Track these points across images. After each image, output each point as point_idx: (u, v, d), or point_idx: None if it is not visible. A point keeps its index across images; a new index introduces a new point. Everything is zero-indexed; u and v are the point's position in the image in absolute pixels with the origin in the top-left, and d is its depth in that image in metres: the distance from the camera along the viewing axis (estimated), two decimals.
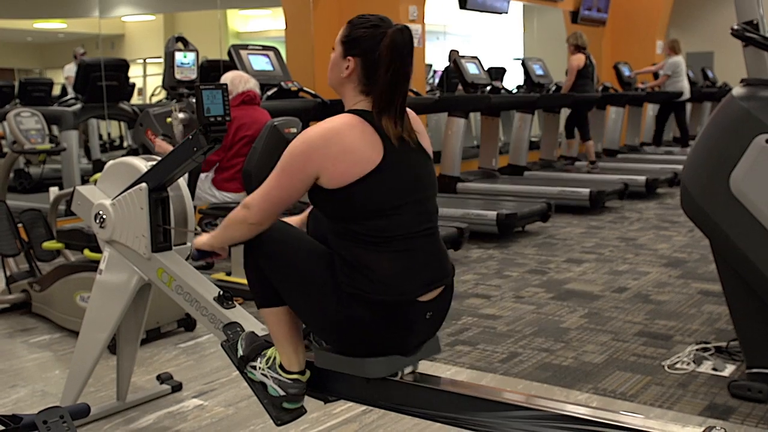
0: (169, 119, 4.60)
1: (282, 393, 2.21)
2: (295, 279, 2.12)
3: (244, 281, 4.95)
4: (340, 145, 2.03)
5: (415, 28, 7.90)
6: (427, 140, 2.22)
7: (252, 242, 2.21)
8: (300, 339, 2.24)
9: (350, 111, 2.12)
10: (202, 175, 4.70)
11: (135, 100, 8.71)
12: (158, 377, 3.24)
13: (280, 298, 2.19)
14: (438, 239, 2.19)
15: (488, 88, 8.13)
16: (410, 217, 2.10)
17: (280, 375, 2.21)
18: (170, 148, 4.78)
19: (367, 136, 2.06)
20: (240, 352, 2.30)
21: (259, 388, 2.26)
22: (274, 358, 2.23)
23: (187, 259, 2.70)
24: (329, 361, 2.17)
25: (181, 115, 4.62)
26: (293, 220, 2.42)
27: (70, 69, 7.98)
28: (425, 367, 2.28)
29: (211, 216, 5.06)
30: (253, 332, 2.36)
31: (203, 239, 2.33)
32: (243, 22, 12.94)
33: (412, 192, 2.12)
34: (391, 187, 2.07)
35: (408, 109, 2.16)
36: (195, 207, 3.85)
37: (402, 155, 2.09)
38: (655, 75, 11.16)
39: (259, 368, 2.25)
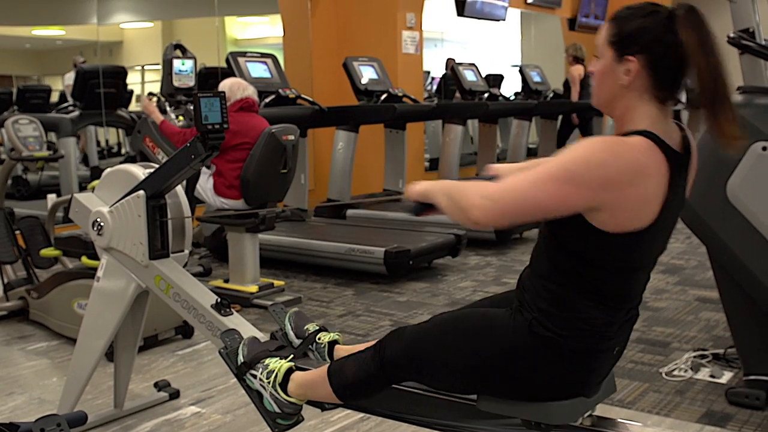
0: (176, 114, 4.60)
1: (277, 410, 2.15)
2: (454, 367, 1.86)
3: (242, 288, 4.97)
4: (645, 190, 1.62)
5: (412, 35, 7.92)
6: (692, 179, 1.82)
7: (396, 355, 1.93)
8: None
9: (650, 135, 1.65)
10: (204, 176, 4.69)
11: (133, 107, 8.71)
12: (156, 385, 3.23)
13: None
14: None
15: (486, 95, 8.14)
16: (644, 278, 1.82)
17: (279, 394, 2.15)
18: (154, 108, 4.80)
19: (663, 185, 1.65)
20: (241, 358, 2.24)
21: (255, 396, 2.23)
22: (276, 375, 2.15)
23: (184, 266, 2.70)
24: (498, 406, 1.88)
25: (180, 123, 4.63)
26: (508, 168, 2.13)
27: (70, 77, 7.97)
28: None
29: (209, 222, 5.07)
30: (254, 338, 2.32)
31: (425, 187, 1.86)
32: (241, 29, 12.95)
33: (658, 255, 1.84)
34: (652, 247, 1.78)
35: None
36: (193, 212, 3.85)
37: (675, 210, 1.74)
38: None
39: (259, 378, 2.19)
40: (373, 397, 2.03)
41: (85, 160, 8.46)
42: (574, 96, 8.99)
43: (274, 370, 2.17)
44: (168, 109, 5.02)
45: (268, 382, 2.16)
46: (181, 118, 5.01)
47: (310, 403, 2.24)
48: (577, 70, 8.99)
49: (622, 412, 2.99)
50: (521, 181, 1.65)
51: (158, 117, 4.78)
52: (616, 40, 1.70)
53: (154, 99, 5.10)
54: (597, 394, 1.89)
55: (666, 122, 1.71)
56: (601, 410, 2.96)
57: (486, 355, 1.80)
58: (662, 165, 1.64)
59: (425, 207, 1.88)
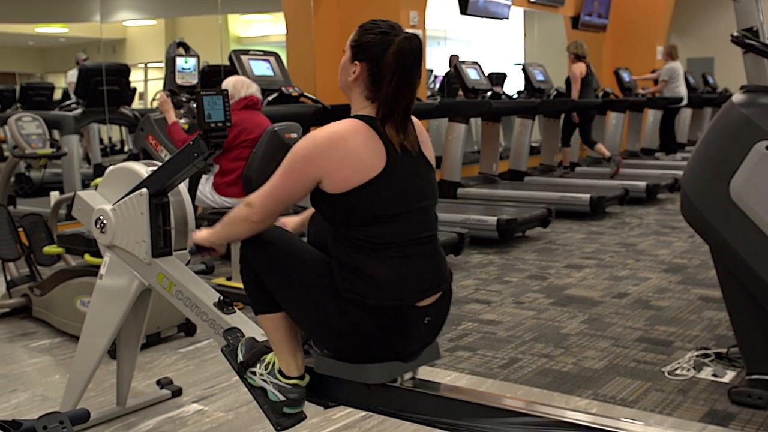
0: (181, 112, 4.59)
1: (282, 398, 2.21)
2: (293, 286, 2.13)
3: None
4: (344, 150, 2.04)
5: (416, 33, 7.91)
6: (430, 149, 2.23)
7: (248, 249, 2.20)
8: (298, 344, 2.24)
9: (356, 116, 2.12)
10: (203, 178, 4.70)
11: (136, 104, 8.72)
12: (158, 382, 3.24)
13: (277, 304, 2.18)
14: (437, 246, 2.19)
15: (489, 93, 8.14)
16: (409, 225, 2.10)
17: (280, 380, 2.21)
18: (170, 106, 4.78)
19: (370, 142, 2.06)
20: (240, 358, 2.30)
21: (259, 394, 2.26)
22: (273, 363, 2.23)
23: (187, 262, 2.71)
24: (329, 367, 2.17)
25: (182, 121, 4.63)
26: (292, 221, 2.45)
27: (73, 75, 7.99)
28: (426, 373, 2.28)
29: (210, 221, 5.06)
30: (252, 338, 2.36)
31: (202, 234, 2.32)
32: (244, 26, 12.95)
33: (413, 200, 2.12)
34: (392, 194, 2.07)
35: (413, 117, 2.17)
36: (195, 210, 3.85)
37: (404, 163, 2.10)
38: (656, 81, 11.18)
39: (259, 374, 2.25)
40: (265, 299, 2.19)
41: (87, 158, 8.46)
42: (575, 94, 8.99)
43: (271, 361, 2.24)
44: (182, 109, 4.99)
45: (268, 373, 2.23)
46: (185, 126, 4.99)
47: (311, 401, 2.26)
48: (579, 68, 8.99)
49: (624, 411, 2.99)
50: (269, 185, 2.12)
51: (171, 117, 4.75)
52: (354, 46, 2.13)
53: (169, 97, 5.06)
54: (417, 359, 2.17)
55: (374, 111, 2.11)
56: (599, 407, 2.97)
57: (317, 309, 2.09)
58: (364, 129, 2.07)
59: (201, 249, 2.33)
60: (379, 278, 2.04)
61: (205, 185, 4.70)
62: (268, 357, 2.26)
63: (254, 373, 2.26)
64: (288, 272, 2.13)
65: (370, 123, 2.09)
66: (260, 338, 2.36)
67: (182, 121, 4.59)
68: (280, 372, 2.21)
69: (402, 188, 2.09)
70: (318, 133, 2.09)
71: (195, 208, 4.33)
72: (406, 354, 2.14)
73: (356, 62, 2.11)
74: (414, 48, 2.08)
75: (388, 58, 2.05)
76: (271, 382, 2.22)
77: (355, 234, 2.06)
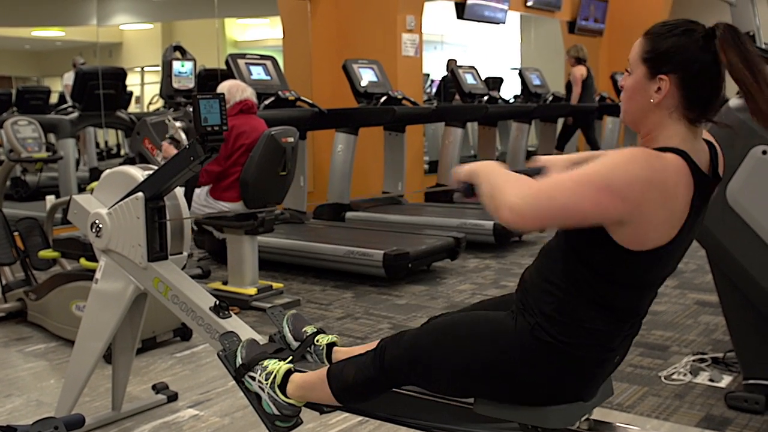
0: (168, 135, 4.60)
1: (276, 412, 2.14)
2: (454, 370, 1.85)
3: (241, 290, 4.96)
4: (671, 210, 1.61)
5: (412, 37, 7.92)
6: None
7: (396, 359, 1.92)
8: None
9: (679, 152, 1.63)
10: (198, 190, 4.68)
11: (132, 108, 8.72)
12: (154, 387, 3.23)
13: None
14: None
15: (485, 97, 8.15)
16: (653, 294, 1.84)
17: (278, 396, 2.14)
18: (175, 152, 4.77)
19: (686, 206, 1.63)
20: (239, 360, 2.24)
21: (253, 398, 2.22)
22: (275, 377, 2.15)
23: (183, 268, 2.70)
24: (495, 409, 1.89)
25: (178, 124, 4.63)
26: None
27: (69, 77, 7.98)
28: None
29: (206, 225, 5.05)
30: (254, 340, 2.32)
31: (472, 167, 1.83)
32: (241, 30, 12.95)
33: (671, 272, 1.83)
34: (667, 265, 1.76)
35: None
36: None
37: (692, 231, 1.71)
38: None
39: (258, 380, 2.18)
40: (373, 400, 2.03)
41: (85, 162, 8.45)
42: (575, 98, 9.00)
43: (272, 372, 2.17)
44: (168, 119, 4.98)
45: (267, 384, 2.16)
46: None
47: (308, 405, 2.24)
48: (579, 71, 9.00)
49: (621, 415, 2.98)
50: (559, 186, 1.61)
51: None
52: (650, 57, 1.67)
53: (159, 103, 5.04)
54: (594, 398, 1.89)
55: (695, 141, 1.69)
56: (599, 414, 2.96)
57: (486, 358, 1.80)
58: (690, 187, 1.62)
59: (472, 191, 1.82)
60: (597, 335, 1.75)
61: (200, 195, 4.69)
62: (270, 366, 2.18)
63: (253, 378, 2.20)
64: (447, 360, 1.85)
65: (694, 172, 1.63)
66: (260, 341, 2.35)
67: (179, 124, 4.58)
68: (281, 388, 2.14)
69: (678, 257, 1.78)
70: (657, 173, 1.58)
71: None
72: (590, 394, 1.86)
73: (661, 77, 1.65)
74: (742, 35, 1.65)
75: (730, 58, 1.62)
76: (269, 394, 2.15)
77: (602, 289, 1.71)
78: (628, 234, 1.61)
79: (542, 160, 2.07)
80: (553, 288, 1.75)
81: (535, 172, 1.91)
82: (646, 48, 1.69)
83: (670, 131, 1.67)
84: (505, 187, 1.66)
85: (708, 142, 1.76)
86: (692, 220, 1.66)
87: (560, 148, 9.39)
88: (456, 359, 1.84)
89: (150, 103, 10.39)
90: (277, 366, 2.18)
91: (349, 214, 6.68)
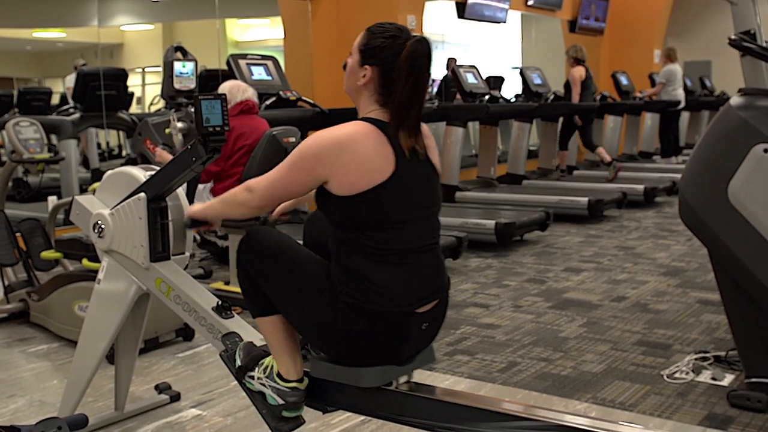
0: (168, 129, 4.61)
1: (281, 402, 2.20)
2: (290, 289, 2.12)
3: None
4: (354, 153, 2.02)
5: (424, 36, 7.91)
6: (436, 155, 2.22)
7: (245, 253, 2.21)
8: (297, 347, 2.24)
9: (365, 119, 2.11)
10: (200, 186, 4.70)
11: (134, 109, 8.72)
12: (156, 387, 3.23)
13: (274, 307, 2.19)
14: (438, 254, 2.19)
15: (486, 97, 8.14)
16: (414, 232, 2.10)
17: (278, 384, 2.20)
18: (170, 157, 4.78)
19: (380, 146, 2.05)
20: (238, 363, 2.29)
21: (257, 398, 2.25)
22: (272, 367, 2.23)
23: (185, 268, 2.70)
24: (325, 370, 2.18)
25: (179, 125, 4.63)
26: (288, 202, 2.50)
27: (71, 80, 7.99)
28: (424, 377, 2.29)
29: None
30: (251, 342, 2.35)
31: (198, 208, 2.36)
32: (242, 31, 12.96)
33: (419, 207, 2.12)
34: (399, 200, 2.06)
35: (422, 124, 2.15)
36: None
37: (413, 169, 2.08)
38: (653, 84, 11.20)
39: (257, 378, 2.24)
40: (261, 300, 2.21)
41: (85, 162, 8.45)
42: (575, 97, 9.00)
43: (269, 365, 2.24)
44: (172, 118, 4.99)
45: (266, 377, 2.23)
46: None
47: (310, 405, 2.25)
48: (578, 72, 9.00)
49: (623, 414, 2.99)
50: (271, 173, 2.15)
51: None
52: (364, 50, 2.11)
53: (160, 103, 5.04)
54: (412, 363, 2.16)
55: (383, 115, 2.09)
56: (598, 411, 2.97)
57: (308, 321, 2.12)
58: (374, 132, 2.05)
59: (196, 223, 2.42)
60: (380, 284, 2.04)
61: (203, 193, 4.69)
62: (267, 361, 2.25)
63: (253, 378, 2.26)
64: (285, 277, 2.13)
65: (380, 126, 2.07)
66: (258, 343, 2.36)
67: (180, 125, 4.58)
68: (279, 375, 2.21)
69: (409, 194, 2.08)
70: (329, 133, 2.07)
71: None
72: (402, 358, 2.14)
73: (366, 66, 2.10)
74: (425, 51, 2.07)
75: (401, 62, 2.04)
76: (270, 386, 2.21)
77: (358, 238, 2.05)
78: (334, 185, 2.03)
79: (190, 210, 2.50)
80: (338, 257, 2.09)
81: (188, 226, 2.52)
82: (362, 41, 2.14)
83: (366, 107, 2.14)
84: (229, 196, 2.25)
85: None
86: (402, 157, 2.05)
87: (564, 148, 9.38)
88: (290, 296, 2.13)
89: (151, 104, 10.40)
90: (272, 359, 2.25)
91: None
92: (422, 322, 2.11)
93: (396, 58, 2.05)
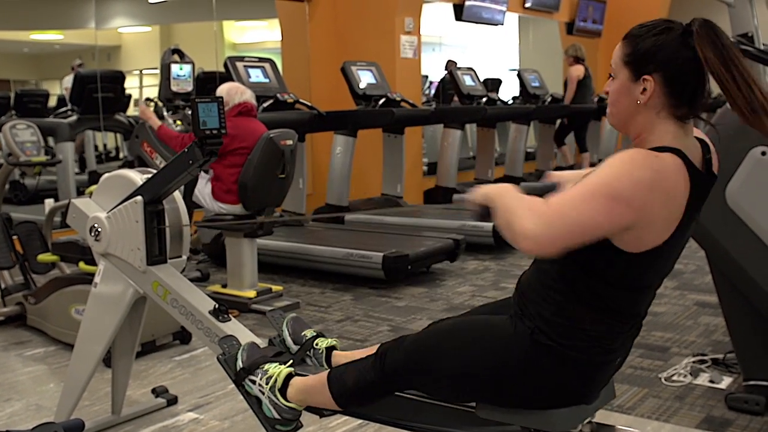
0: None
1: (276, 416, 2.15)
2: (456, 374, 1.85)
3: (240, 293, 4.95)
4: (667, 211, 1.61)
5: (410, 39, 7.92)
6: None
7: (397, 364, 1.92)
8: None
9: (668, 149, 1.63)
10: (202, 181, 4.69)
11: (131, 111, 8.71)
12: (153, 391, 3.22)
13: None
14: None
15: (484, 99, 8.15)
16: (650, 299, 1.83)
17: (278, 400, 2.14)
18: (152, 115, 4.79)
19: (682, 205, 1.64)
20: (240, 364, 2.24)
21: (253, 402, 2.22)
22: (276, 381, 2.15)
23: (182, 272, 2.69)
24: (497, 413, 1.89)
25: (177, 128, 4.62)
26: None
27: (69, 80, 7.98)
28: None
29: (207, 227, 5.05)
30: (254, 343, 2.32)
31: (491, 192, 1.76)
32: (239, 33, 12.96)
33: (669, 272, 1.82)
34: (664, 266, 1.76)
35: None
36: (191, 218, 3.85)
37: (688, 229, 1.72)
38: None
39: (258, 384, 2.18)
40: (373, 404, 2.03)
41: (81, 164, 8.44)
42: (568, 98, 8.99)
43: (273, 376, 2.17)
44: (165, 114, 5.01)
45: (268, 388, 2.16)
46: (179, 123, 5.00)
47: (308, 409, 2.23)
48: (576, 71, 8.99)
49: (621, 417, 2.98)
50: (568, 204, 1.58)
51: (156, 122, 4.77)
52: (631, 60, 1.69)
53: (152, 104, 5.09)
54: (596, 401, 1.89)
55: (686, 138, 1.69)
56: (600, 416, 2.96)
57: (487, 363, 1.80)
58: (687, 185, 1.63)
59: (490, 213, 1.78)
60: (597, 337, 1.74)
61: (204, 188, 4.69)
62: (272, 371, 2.18)
63: (253, 382, 2.20)
64: (449, 363, 1.85)
65: (688, 166, 1.64)
66: (260, 344, 2.35)
67: (179, 128, 4.59)
68: (281, 392, 2.14)
69: (674, 257, 1.77)
70: (658, 175, 1.58)
71: (191, 212, 4.33)
72: (592, 396, 1.85)
73: (645, 77, 1.66)
74: (719, 31, 1.65)
75: (706, 54, 1.62)
76: (269, 398, 2.15)
77: (600, 293, 1.70)
78: (629, 237, 1.61)
79: (555, 176, 2.07)
80: (551, 292, 1.74)
81: (549, 189, 1.89)
82: (626, 51, 1.70)
83: (660, 130, 1.67)
84: (520, 214, 1.61)
85: (700, 140, 1.76)
86: (688, 219, 1.66)
87: (559, 145, 9.38)
88: (456, 364, 1.84)
89: (136, 106, 10.39)
90: (277, 370, 2.18)
91: (348, 216, 6.68)
92: (618, 357, 1.87)
93: (682, 52, 1.64)
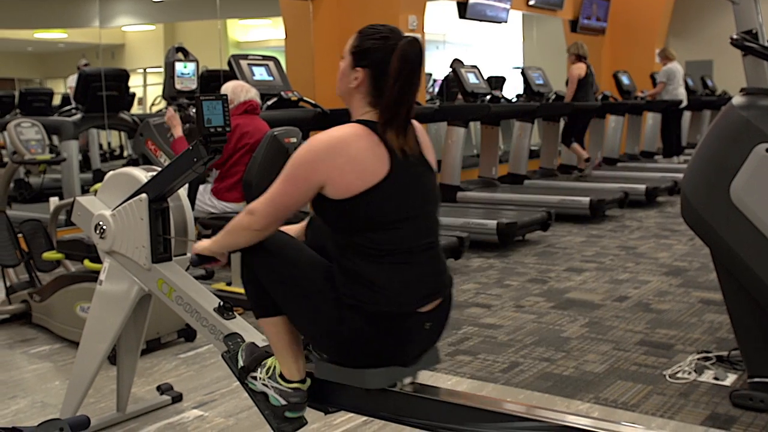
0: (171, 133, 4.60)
1: (284, 402, 2.21)
2: (294, 290, 2.12)
3: (244, 291, 4.92)
4: (347, 155, 2.02)
5: (416, 36, 7.91)
6: (431, 153, 2.21)
7: (249, 253, 2.20)
8: (300, 348, 2.24)
9: (357, 121, 2.10)
10: (201, 187, 4.69)
11: (135, 109, 8.72)
12: (158, 388, 3.23)
13: (278, 308, 2.18)
14: (439, 252, 2.18)
15: (488, 97, 8.14)
16: (412, 231, 2.09)
17: (281, 384, 2.21)
18: (179, 126, 4.78)
19: (374, 147, 2.04)
20: (240, 363, 2.30)
21: (260, 399, 2.25)
22: (274, 368, 2.23)
23: (187, 268, 2.70)
24: (328, 371, 2.17)
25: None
26: (292, 229, 2.41)
27: (74, 79, 7.99)
28: (426, 378, 2.28)
29: (210, 226, 5.05)
30: (253, 343, 2.36)
31: (204, 244, 2.29)
32: (243, 31, 12.96)
33: (416, 206, 2.11)
34: (395, 200, 2.05)
35: (414, 121, 2.16)
36: (195, 218, 3.85)
37: (407, 168, 2.08)
38: (655, 83, 11.19)
39: (260, 378, 2.25)
40: (266, 298, 2.19)
41: (86, 161, 8.45)
42: (568, 96, 8.97)
43: (271, 366, 2.24)
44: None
45: (268, 377, 2.23)
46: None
47: (312, 406, 2.26)
48: (578, 69, 8.97)
49: (625, 414, 2.98)
50: (269, 192, 2.11)
51: (179, 132, 4.75)
52: (355, 52, 2.10)
53: (162, 104, 5.06)
54: (417, 364, 2.15)
55: (376, 116, 2.08)
56: (602, 412, 2.96)
57: (318, 315, 2.09)
58: (367, 133, 2.04)
59: (204, 259, 2.29)
60: (381, 284, 2.03)
61: (204, 193, 4.69)
62: (269, 361, 2.26)
63: (255, 378, 2.26)
64: (289, 278, 2.13)
65: (372, 128, 2.06)
66: (261, 343, 2.36)
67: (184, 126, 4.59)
68: (282, 376, 2.21)
69: (405, 193, 2.07)
70: (320, 138, 2.07)
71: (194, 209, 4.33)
72: (406, 359, 2.13)
73: (358, 68, 2.09)
74: (416, 52, 2.06)
75: (393, 63, 2.02)
76: (273, 387, 2.22)
77: (357, 240, 2.05)
78: (330, 190, 2.03)
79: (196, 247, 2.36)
80: (339, 260, 2.08)
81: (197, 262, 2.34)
82: (354, 43, 2.12)
83: (358, 110, 2.13)
84: (235, 221, 2.18)
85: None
86: (396, 158, 2.04)
87: (568, 144, 9.34)
88: (294, 298, 2.14)
89: (153, 105, 10.40)
90: (274, 360, 2.25)
91: None
92: (425, 321, 2.10)
93: (388, 59, 2.03)
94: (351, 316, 2.04)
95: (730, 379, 3.29)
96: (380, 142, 2.05)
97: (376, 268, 2.04)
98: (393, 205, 2.05)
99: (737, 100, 3.00)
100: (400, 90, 2.04)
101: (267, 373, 2.24)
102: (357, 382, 2.12)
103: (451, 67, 9.40)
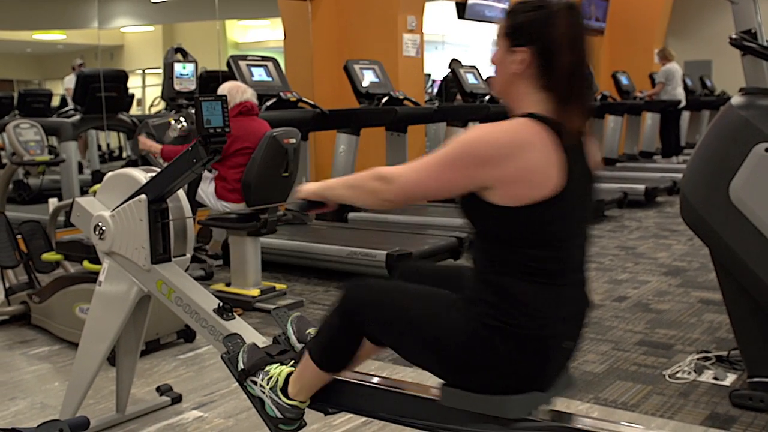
0: (173, 132, 4.61)
1: (279, 416, 2.16)
2: (416, 324, 1.91)
3: (244, 291, 4.95)
4: (527, 159, 1.74)
5: (413, 38, 7.92)
6: (596, 163, 1.94)
7: (353, 296, 2.01)
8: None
9: (531, 115, 1.80)
10: (205, 181, 4.69)
11: (134, 110, 8.72)
12: (158, 389, 3.23)
13: (341, 364, 2.09)
14: (586, 271, 1.96)
15: (487, 97, 8.14)
16: (575, 250, 1.89)
17: (280, 399, 2.16)
18: (152, 144, 4.80)
19: (553, 153, 1.76)
20: (241, 365, 2.26)
21: (257, 402, 2.23)
22: (277, 381, 2.17)
23: (186, 270, 2.69)
24: (459, 400, 1.94)
25: (180, 126, 4.63)
26: None
27: (70, 80, 7.99)
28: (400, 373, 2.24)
29: (210, 225, 5.05)
30: (254, 344, 2.33)
31: (312, 188, 2.03)
32: (242, 32, 12.96)
33: (583, 223, 1.91)
34: (567, 216, 1.82)
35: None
36: (194, 218, 3.85)
37: (581, 181, 1.84)
38: (653, 84, 11.20)
39: (260, 385, 2.20)
40: (353, 354, 2.05)
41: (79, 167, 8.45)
42: None
43: (274, 376, 2.19)
44: (171, 120, 4.98)
45: (269, 388, 2.18)
46: (182, 120, 4.98)
47: (312, 407, 2.24)
48: None
49: (625, 414, 2.98)
50: (418, 167, 1.84)
51: (156, 148, 4.77)
52: (510, 32, 1.83)
53: (160, 105, 5.07)
54: (554, 390, 1.94)
55: (547, 107, 1.81)
56: (602, 412, 2.96)
57: (444, 340, 1.86)
58: (545, 135, 1.76)
59: (313, 205, 2.05)
60: (533, 306, 1.81)
61: (208, 187, 4.69)
62: (273, 371, 2.20)
63: (255, 383, 2.22)
64: (408, 311, 1.93)
65: (552, 126, 1.78)
66: (261, 344, 2.35)
67: (180, 126, 4.59)
68: (283, 391, 2.16)
69: (577, 210, 1.85)
70: (500, 130, 1.77)
71: (194, 211, 4.34)
72: (544, 383, 1.90)
73: (518, 49, 1.80)
74: (579, 14, 1.81)
75: (559, 29, 1.76)
76: (271, 398, 2.17)
77: (514, 254, 1.80)
78: (499, 194, 1.76)
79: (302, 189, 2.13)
80: (485, 275, 1.84)
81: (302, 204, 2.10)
82: (504, 24, 1.86)
83: (529, 100, 1.83)
84: (358, 181, 1.93)
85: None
86: (573, 165, 1.78)
87: None
88: (414, 323, 1.90)
89: (152, 106, 10.40)
90: (278, 370, 2.20)
91: (351, 215, 6.68)
92: (564, 339, 1.90)
93: (550, 29, 1.77)
94: (490, 337, 1.81)
95: (730, 379, 3.29)
96: (559, 147, 1.77)
97: (529, 288, 1.80)
98: (564, 222, 1.82)
99: (736, 99, 3.00)
100: (574, 59, 1.78)
101: (268, 383, 2.18)
102: (495, 410, 1.90)
103: (449, 67, 9.40)
